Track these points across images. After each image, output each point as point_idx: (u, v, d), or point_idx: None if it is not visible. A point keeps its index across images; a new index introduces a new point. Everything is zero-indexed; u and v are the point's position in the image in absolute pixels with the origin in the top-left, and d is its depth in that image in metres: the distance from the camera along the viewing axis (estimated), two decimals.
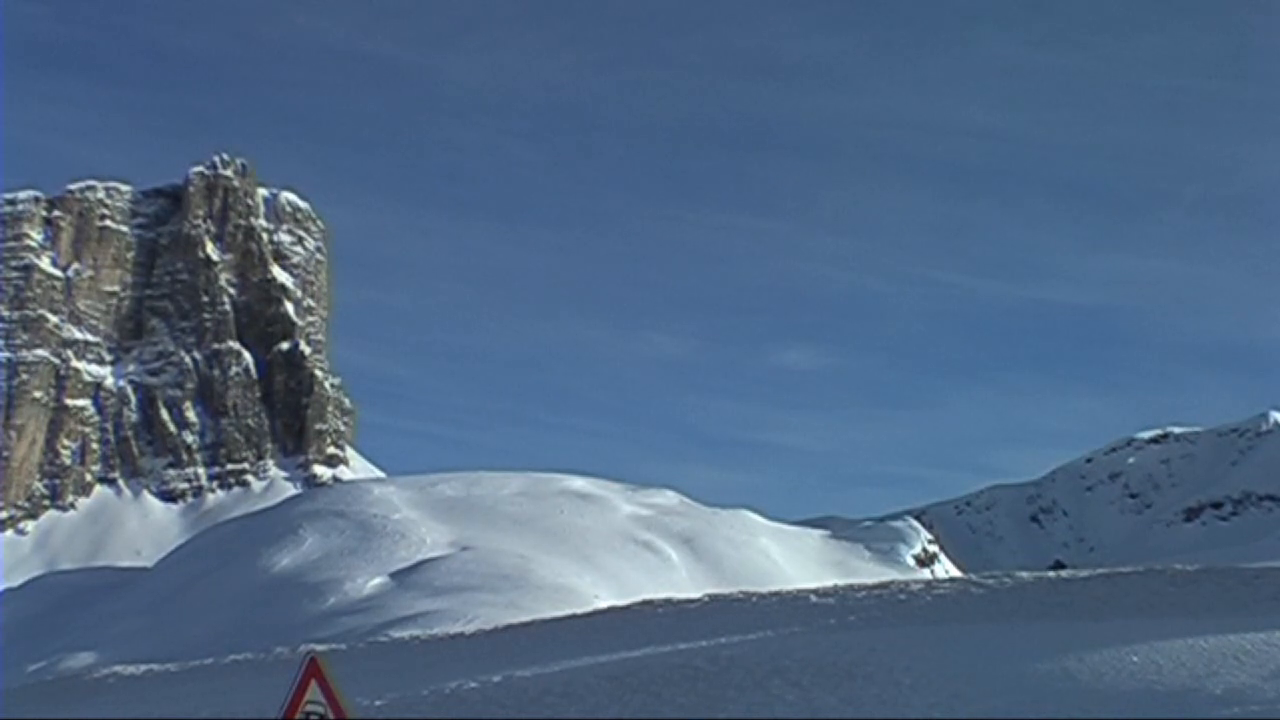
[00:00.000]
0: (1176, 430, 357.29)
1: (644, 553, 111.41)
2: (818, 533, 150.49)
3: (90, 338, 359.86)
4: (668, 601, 53.64)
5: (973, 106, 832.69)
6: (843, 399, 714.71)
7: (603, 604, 67.07)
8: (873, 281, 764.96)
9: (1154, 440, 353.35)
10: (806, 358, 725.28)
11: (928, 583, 51.41)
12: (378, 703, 29.91)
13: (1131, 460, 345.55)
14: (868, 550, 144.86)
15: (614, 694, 27.46)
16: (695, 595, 58.72)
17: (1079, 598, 40.98)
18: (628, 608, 55.20)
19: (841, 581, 68.90)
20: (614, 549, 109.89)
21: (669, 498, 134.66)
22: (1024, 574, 48.35)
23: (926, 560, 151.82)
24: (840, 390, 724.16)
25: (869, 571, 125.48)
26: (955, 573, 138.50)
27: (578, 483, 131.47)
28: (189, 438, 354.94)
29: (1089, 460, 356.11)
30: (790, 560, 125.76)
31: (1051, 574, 49.23)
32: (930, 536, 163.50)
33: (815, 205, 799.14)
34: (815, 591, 50.02)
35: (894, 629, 35.70)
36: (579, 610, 61.60)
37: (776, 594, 52.58)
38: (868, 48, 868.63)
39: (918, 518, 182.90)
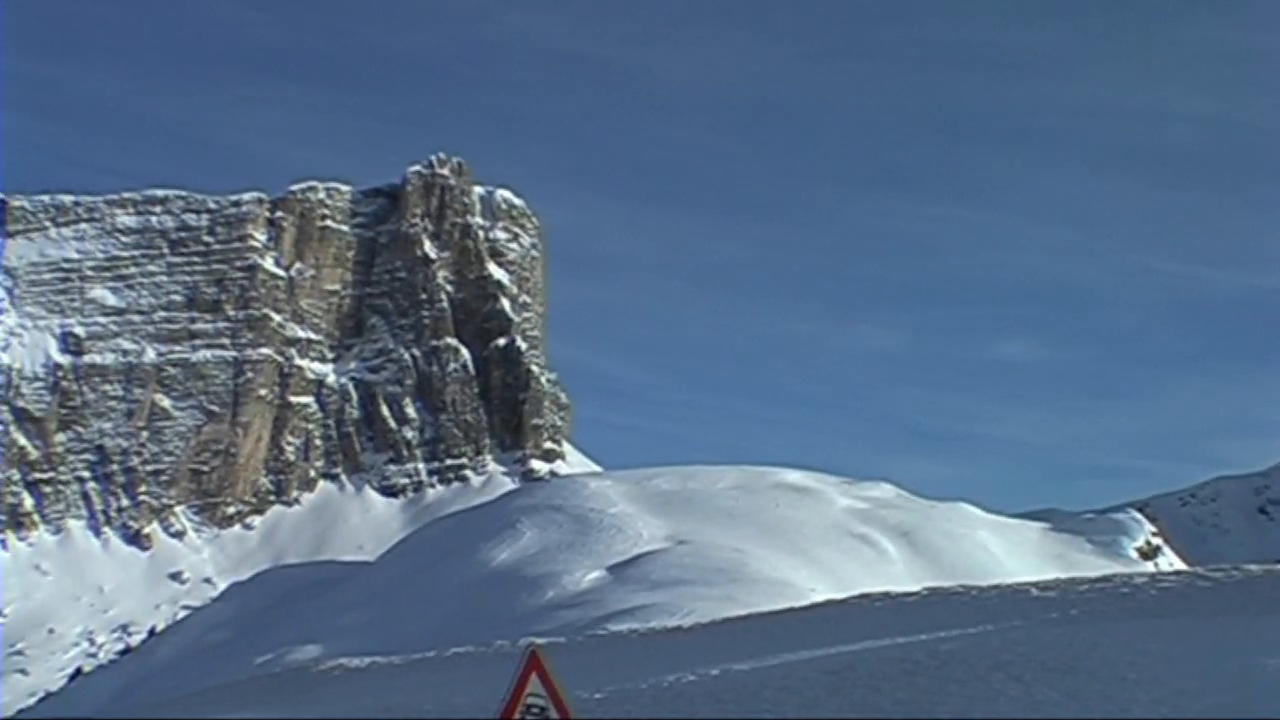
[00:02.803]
0: None
1: (860, 546, 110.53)
2: (1037, 525, 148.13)
3: (312, 336, 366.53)
4: (885, 595, 53.22)
5: (1188, 92, 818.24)
6: (1061, 390, 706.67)
7: (819, 598, 66.70)
8: (1089, 271, 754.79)
9: None
10: (1023, 349, 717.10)
11: (1152, 576, 50.36)
12: (597, 696, 29.99)
13: None
14: (1089, 543, 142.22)
15: (832, 688, 27.28)
16: (913, 589, 58.14)
17: None
18: (845, 601, 54.85)
19: (1063, 575, 67.78)
20: (830, 542, 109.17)
21: (885, 490, 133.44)
22: (1252, 567, 47.14)
23: (1149, 553, 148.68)
24: (1058, 381, 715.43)
25: (1090, 565, 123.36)
26: (1180, 566, 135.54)
27: (793, 476, 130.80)
28: (409, 433, 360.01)
29: None
30: (1009, 553, 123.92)
31: None
32: (1153, 529, 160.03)
33: (1030, 195, 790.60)
34: (1036, 585, 49.29)
35: (1117, 623, 35.06)
36: (795, 604, 61.30)
37: (996, 587, 51.92)
38: (1081, 34, 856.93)
39: (1140, 510, 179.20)
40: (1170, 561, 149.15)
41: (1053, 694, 24.78)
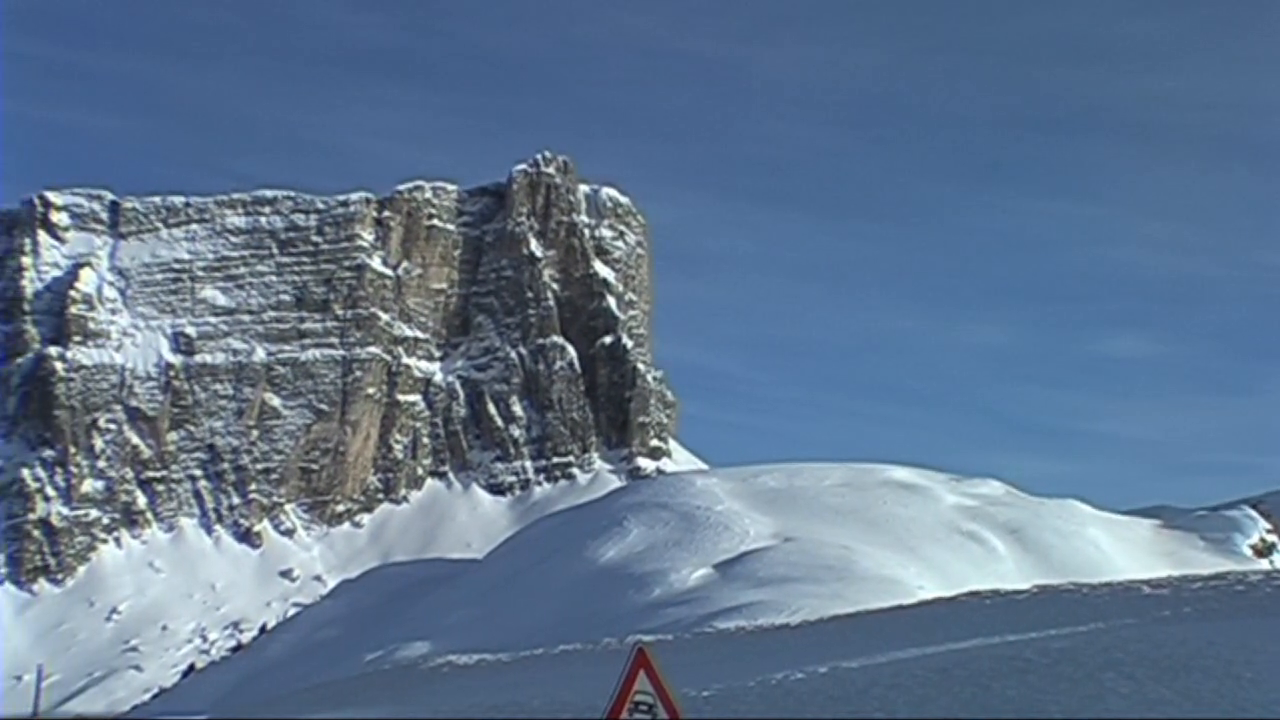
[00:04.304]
0: None
1: (969, 543, 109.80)
2: (1148, 522, 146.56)
3: (420, 335, 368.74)
4: (995, 593, 52.94)
5: None
6: (1171, 386, 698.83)
7: (928, 595, 66.39)
8: (1199, 265, 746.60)
9: None
10: (1132, 345, 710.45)
11: (1267, 573, 49.85)
12: (704, 693, 29.95)
13: None
14: (1201, 540, 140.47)
15: (942, 686, 27.10)
16: (1023, 586, 57.77)
17: None
18: (954, 599, 54.58)
19: (1175, 572, 67.13)
20: (938, 540, 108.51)
21: (994, 487, 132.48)
22: None
23: (1264, 550, 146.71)
24: (1168, 377, 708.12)
25: (1203, 562, 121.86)
26: None
27: (900, 473, 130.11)
28: (515, 431, 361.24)
29: None
30: (1120, 551, 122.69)
31: None
32: (1268, 526, 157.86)
33: (1138, 189, 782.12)
34: (1148, 582, 48.88)
35: (1232, 621, 34.64)
36: (903, 601, 61.07)
37: (1107, 585, 51.52)
38: (1190, 27, 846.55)
39: (1254, 506, 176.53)
40: None
41: (1166, 693, 24.48)
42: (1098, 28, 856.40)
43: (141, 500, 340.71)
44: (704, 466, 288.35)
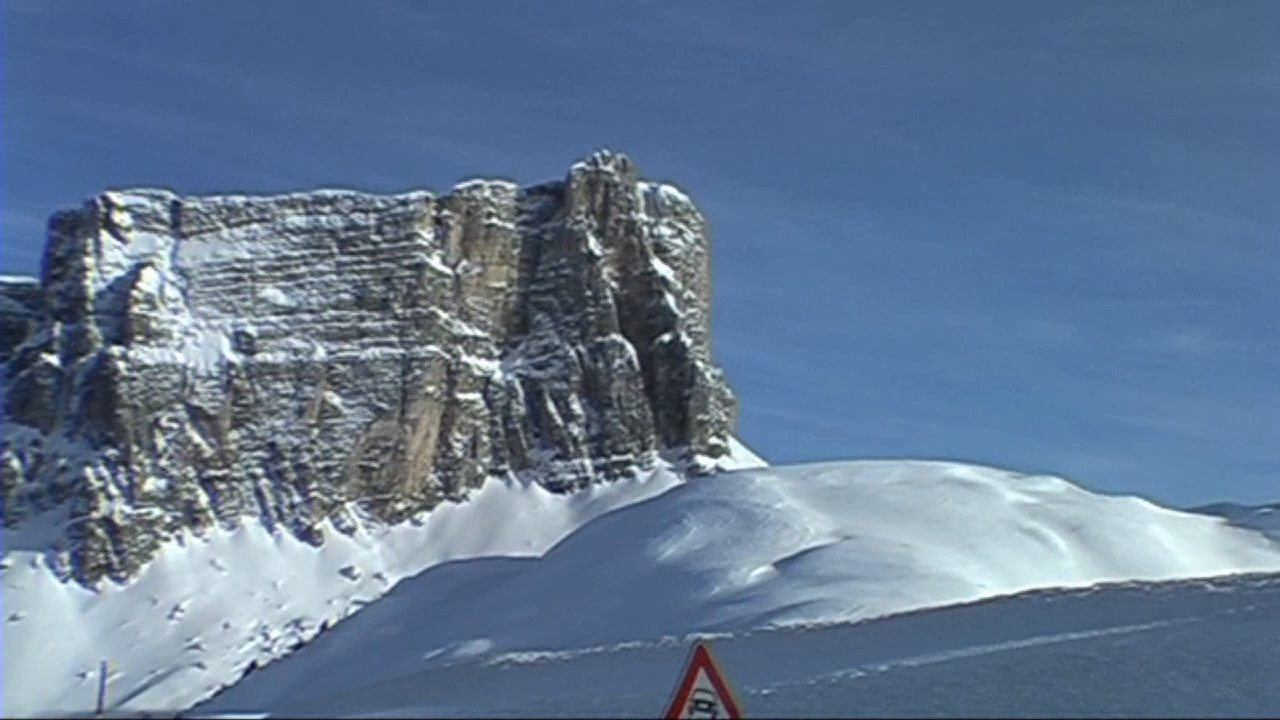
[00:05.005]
0: None
1: (1030, 541, 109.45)
2: (1212, 520, 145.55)
3: (479, 333, 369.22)
4: (1056, 591, 52.72)
5: None
6: (1234, 382, 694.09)
7: (988, 593, 66.19)
8: (1266, 261, 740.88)
9: None
10: (1196, 341, 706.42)
11: None
12: (764, 691, 29.92)
13: None
14: (1266, 538, 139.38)
15: (1003, 684, 27.01)
16: (1084, 584, 57.52)
17: None
18: (1015, 597, 54.37)
19: (1239, 570, 66.71)
20: (999, 537, 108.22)
21: (1055, 485, 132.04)
22: None
23: None
24: (1233, 373, 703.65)
25: (1267, 560, 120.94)
26: None
27: (961, 470, 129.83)
28: (575, 430, 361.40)
29: None
30: (1183, 548, 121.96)
31: None
32: None
33: (1202, 185, 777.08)
34: (1211, 580, 48.60)
35: None
36: (964, 599, 60.89)
37: (1170, 583, 51.27)
38: (1254, 20, 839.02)
39: None
40: None
41: (1230, 691, 24.33)
42: (1160, 23, 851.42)
43: (203, 499, 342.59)
44: (763, 464, 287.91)
